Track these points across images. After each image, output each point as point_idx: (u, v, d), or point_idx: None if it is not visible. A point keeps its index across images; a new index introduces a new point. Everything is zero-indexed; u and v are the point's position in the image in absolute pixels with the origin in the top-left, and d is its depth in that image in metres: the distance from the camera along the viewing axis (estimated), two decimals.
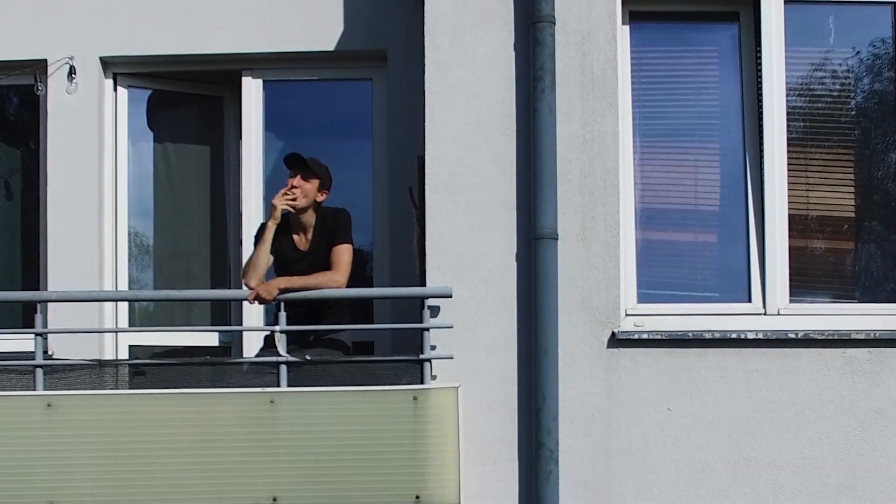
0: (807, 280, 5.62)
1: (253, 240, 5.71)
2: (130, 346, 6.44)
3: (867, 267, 5.72)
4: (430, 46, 5.46)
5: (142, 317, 6.69)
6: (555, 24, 5.37)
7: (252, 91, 6.55)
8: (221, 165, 6.85)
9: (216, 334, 6.59)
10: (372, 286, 6.39)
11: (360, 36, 6.39)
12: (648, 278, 5.61)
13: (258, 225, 6.24)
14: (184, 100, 6.81)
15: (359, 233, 6.42)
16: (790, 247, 5.56)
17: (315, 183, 5.46)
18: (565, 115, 5.39)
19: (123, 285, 6.52)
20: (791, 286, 5.55)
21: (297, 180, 5.44)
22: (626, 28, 5.63)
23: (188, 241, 6.87)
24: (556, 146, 5.34)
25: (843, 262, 5.73)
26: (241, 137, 6.58)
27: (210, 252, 6.86)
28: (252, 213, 6.51)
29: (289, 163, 5.50)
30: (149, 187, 6.76)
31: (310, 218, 5.50)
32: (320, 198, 5.50)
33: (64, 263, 6.31)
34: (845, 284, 5.71)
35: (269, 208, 6.29)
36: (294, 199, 5.42)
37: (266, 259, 5.41)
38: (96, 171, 6.39)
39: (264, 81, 6.57)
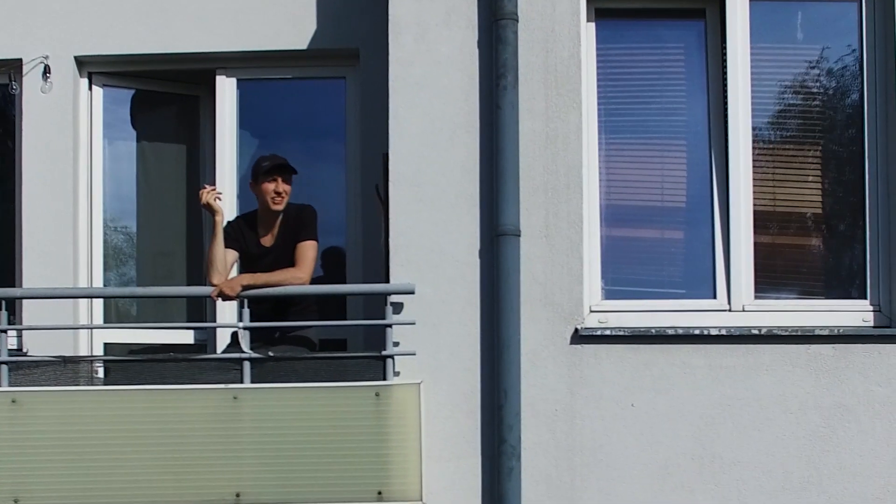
0: (773, 276, 5.63)
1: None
2: (105, 344, 6.47)
3: (833, 263, 5.71)
4: (393, 44, 5.48)
5: (119, 316, 6.71)
6: (518, 21, 5.38)
7: (226, 90, 6.57)
8: (198, 163, 6.87)
9: (192, 332, 6.61)
10: (345, 282, 6.39)
11: (332, 35, 6.40)
12: (614, 275, 5.62)
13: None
14: (159, 99, 6.84)
15: (332, 230, 6.48)
16: (756, 243, 5.57)
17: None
18: (528, 111, 5.41)
19: (98, 283, 6.54)
20: (756, 282, 5.55)
21: (280, 185, 5.48)
22: (592, 25, 5.64)
23: (165, 238, 6.90)
24: (519, 143, 5.36)
25: (809, 258, 5.73)
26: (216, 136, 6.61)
27: (187, 249, 6.88)
28: (226, 210, 6.48)
29: (277, 170, 5.50)
30: (125, 185, 6.80)
31: (276, 214, 5.52)
32: None
33: (38, 261, 6.33)
34: (811, 281, 5.70)
35: (242, 206, 6.38)
36: (221, 193, 5.52)
37: (222, 255, 5.41)
38: (71, 170, 6.41)
39: (238, 80, 6.59)
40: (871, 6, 5.61)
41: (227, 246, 5.45)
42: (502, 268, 5.28)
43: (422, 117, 5.44)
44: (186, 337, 6.62)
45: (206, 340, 6.60)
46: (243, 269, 5.61)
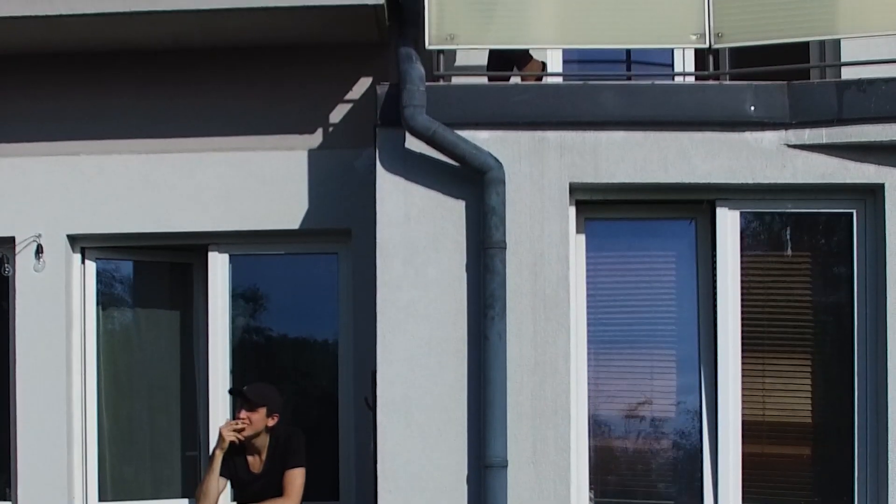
0: (761, 488, 5.63)
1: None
2: None
3: (821, 475, 5.69)
4: (381, 267, 5.47)
5: (113, 485, 6.72)
6: (506, 249, 5.36)
7: (218, 265, 6.60)
8: (191, 328, 6.89)
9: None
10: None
11: (324, 215, 6.38)
12: (603, 486, 5.66)
13: (225, 395, 6.34)
14: (152, 267, 6.86)
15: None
16: (746, 453, 5.58)
17: (262, 411, 5.48)
18: (517, 337, 5.40)
19: (93, 457, 6.58)
20: (744, 494, 5.57)
21: (240, 411, 5.48)
22: (582, 237, 5.64)
23: (159, 408, 6.91)
24: (507, 368, 5.35)
25: (798, 469, 5.73)
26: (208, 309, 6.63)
27: (181, 416, 6.91)
28: (219, 383, 6.54)
29: (232, 395, 5.55)
30: (118, 355, 6.82)
31: (263, 440, 5.53)
32: (271, 423, 5.51)
33: (33, 438, 6.38)
34: (799, 492, 5.69)
35: (236, 380, 6.41)
36: (242, 430, 5.45)
37: (216, 486, 5.45)
38: (64, 347, 6.44)
39: (230, 255, 6.61)
40: (863, 217, 5.59)
41: None
42: (489, 499, 5.29)
43: (409, 341, 5.44)
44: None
45: None
46: (234, 492, 5.65)
